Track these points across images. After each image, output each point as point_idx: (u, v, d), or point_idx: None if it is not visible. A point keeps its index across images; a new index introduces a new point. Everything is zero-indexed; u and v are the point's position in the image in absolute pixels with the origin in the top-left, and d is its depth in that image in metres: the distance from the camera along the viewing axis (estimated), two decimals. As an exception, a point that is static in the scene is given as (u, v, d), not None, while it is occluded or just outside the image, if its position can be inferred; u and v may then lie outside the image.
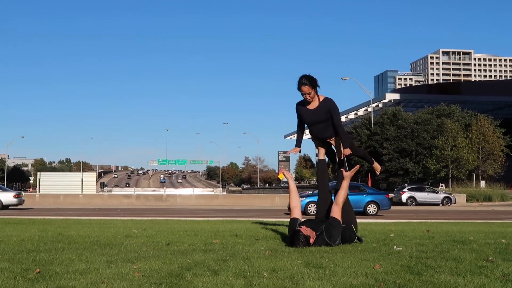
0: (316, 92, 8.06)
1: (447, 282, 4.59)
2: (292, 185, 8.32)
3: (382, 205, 27.77)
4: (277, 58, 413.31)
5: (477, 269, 5.23)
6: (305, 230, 7.28)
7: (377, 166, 9.18)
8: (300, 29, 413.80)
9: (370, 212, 27.13)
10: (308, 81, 7.94)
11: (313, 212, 25.41)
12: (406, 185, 49.81)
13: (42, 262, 5.83)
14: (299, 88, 7.99)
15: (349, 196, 8.22)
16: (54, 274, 5.03)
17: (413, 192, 44.84)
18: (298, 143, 8.53)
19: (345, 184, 7.82)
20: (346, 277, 4.83)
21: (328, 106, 8.07)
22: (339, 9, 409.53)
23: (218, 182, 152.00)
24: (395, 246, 7.19)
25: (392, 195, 43.97)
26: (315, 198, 24.74)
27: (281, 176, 9.21)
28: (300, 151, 8.54)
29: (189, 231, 9.96)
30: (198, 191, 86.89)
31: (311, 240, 7.21)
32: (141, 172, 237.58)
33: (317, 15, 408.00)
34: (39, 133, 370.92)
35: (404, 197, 44.34)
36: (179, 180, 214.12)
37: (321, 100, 8.11)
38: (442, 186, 56.33)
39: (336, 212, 7.59)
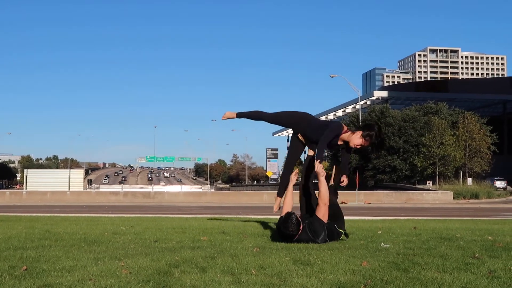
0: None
1: (434, 279, 4.62)
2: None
3: None
4: (265, 51, 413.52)
5: (464, 266, 5.26)
6: (298, 215, 7.28)
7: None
8: (290, 23, 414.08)
9: None
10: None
11: None
12: None
13: (29, 259, 5.80)
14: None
15: None
16: (41, 272, 5.00)
17: None
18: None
19: (321, 179, 7.49)
20: (333, 274, 4.85)
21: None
22: (329, 6, 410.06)
23: (206, 179, 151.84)
24: (382, 243, 7.22)
25: None
26: None
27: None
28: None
29: (177, 228, 9.92)
30: (186, 188, 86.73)
31: (301, 226, 7.19)
32: (106, 180, 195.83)
33: (307, 11, 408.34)
34: (26, 129, 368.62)
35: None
36: (167, 176, 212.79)
37: None
38: (429, 183, 56.66)
39: (319, 210, 7.42)
